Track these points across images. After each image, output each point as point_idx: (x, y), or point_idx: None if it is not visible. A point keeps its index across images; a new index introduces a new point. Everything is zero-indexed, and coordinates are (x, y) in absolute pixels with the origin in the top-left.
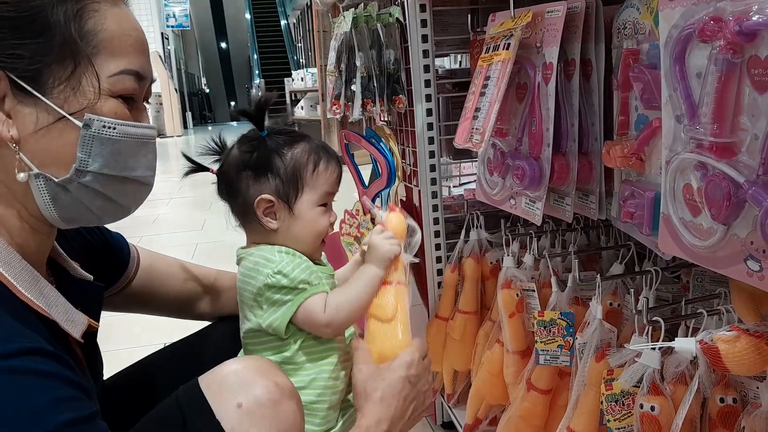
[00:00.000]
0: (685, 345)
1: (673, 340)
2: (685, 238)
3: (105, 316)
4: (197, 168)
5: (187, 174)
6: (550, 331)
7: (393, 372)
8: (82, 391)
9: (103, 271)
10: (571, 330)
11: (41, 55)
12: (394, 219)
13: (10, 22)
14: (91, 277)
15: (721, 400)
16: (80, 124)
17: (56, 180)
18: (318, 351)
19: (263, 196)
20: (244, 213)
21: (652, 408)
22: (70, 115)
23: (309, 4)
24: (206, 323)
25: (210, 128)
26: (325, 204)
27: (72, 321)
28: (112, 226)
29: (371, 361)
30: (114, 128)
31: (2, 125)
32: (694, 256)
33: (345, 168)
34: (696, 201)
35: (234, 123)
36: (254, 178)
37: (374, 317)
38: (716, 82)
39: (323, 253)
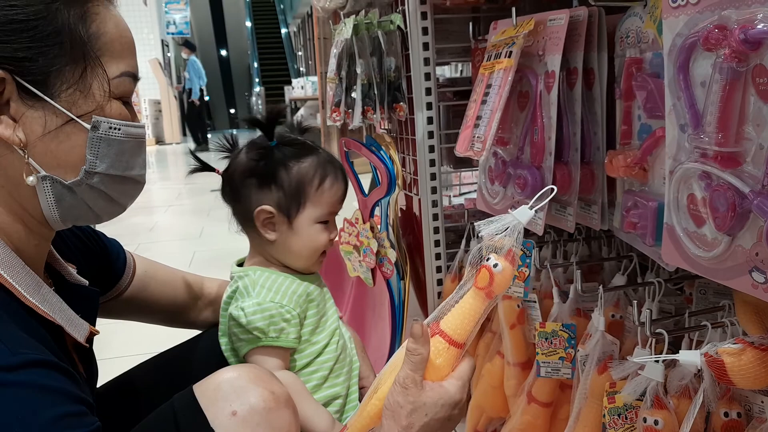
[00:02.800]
0: (689, 358)
1: (677, 352)
2: (689, 249)
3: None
4: (203, 167)
5: (192, 172)
6: (551, 343)
7: (437, 410)
8: (85, 405)
9: (99, 277)
10: (572, 342)
11: (53, 57)
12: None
13: (21, 25)
14: (86, 282)
15: (726, 414)
16: (88, 126)
17: (66, 182)
18: (307, 355)
19: (264, 206)
20: (245, 220)
21: (656, 422)
22: (78, 117)
23: (310, 12)
24: (196, 332)
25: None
26: (326, 221)
27: (75, 326)
28: (110, 233)
29: (419, 383)
30: (119, 129)
31: (10, 130)
32: (697, 267)
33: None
34: (700, 211)
35: (233, 130)
36: (257, 187)
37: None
38: (721, 91)
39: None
